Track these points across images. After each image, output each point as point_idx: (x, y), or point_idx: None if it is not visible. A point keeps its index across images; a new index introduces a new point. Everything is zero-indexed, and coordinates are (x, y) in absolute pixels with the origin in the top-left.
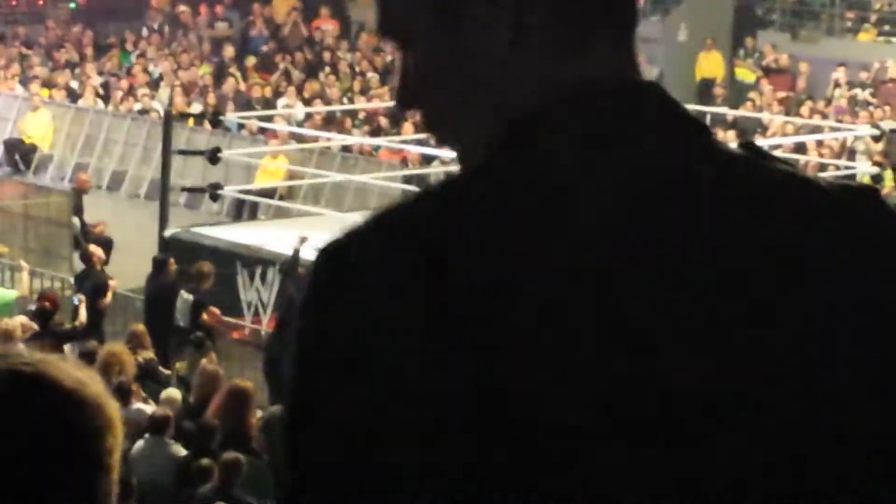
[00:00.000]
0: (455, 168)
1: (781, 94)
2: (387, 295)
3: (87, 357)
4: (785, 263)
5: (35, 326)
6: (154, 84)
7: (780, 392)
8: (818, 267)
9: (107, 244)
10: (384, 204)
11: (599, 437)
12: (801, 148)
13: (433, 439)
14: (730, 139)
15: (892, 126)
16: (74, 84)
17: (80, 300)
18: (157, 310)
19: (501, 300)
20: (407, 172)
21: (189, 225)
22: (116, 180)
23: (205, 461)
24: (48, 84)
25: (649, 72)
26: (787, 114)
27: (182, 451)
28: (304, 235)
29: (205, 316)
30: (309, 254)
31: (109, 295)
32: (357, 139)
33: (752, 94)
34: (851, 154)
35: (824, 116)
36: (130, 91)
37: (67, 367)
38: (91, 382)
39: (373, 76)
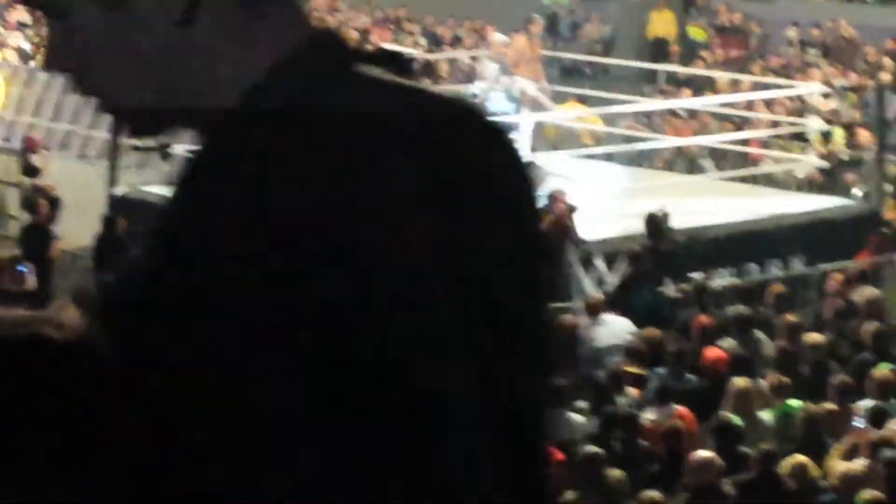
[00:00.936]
0: None
1: (734, 53)
2: None
3: None
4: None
5: None
6: None
7: None
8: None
9: (55, 203)
10: None
11: None
12: (752, 105)
13: None
14: (685, 96)
15: (843, 84)
16: (26, 46)
17: (27, 268)
18: (106, 268)
19: None
20: None
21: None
22: (67, 140)
23: None
24: None
25: (602, 30)
26: (740, 72)
27: None
28: None
29: None
30: None
31: (57, 249)
32: None
33: (703, 53)
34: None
35: (776, 75)
36: None
37: None
38: None
39: None
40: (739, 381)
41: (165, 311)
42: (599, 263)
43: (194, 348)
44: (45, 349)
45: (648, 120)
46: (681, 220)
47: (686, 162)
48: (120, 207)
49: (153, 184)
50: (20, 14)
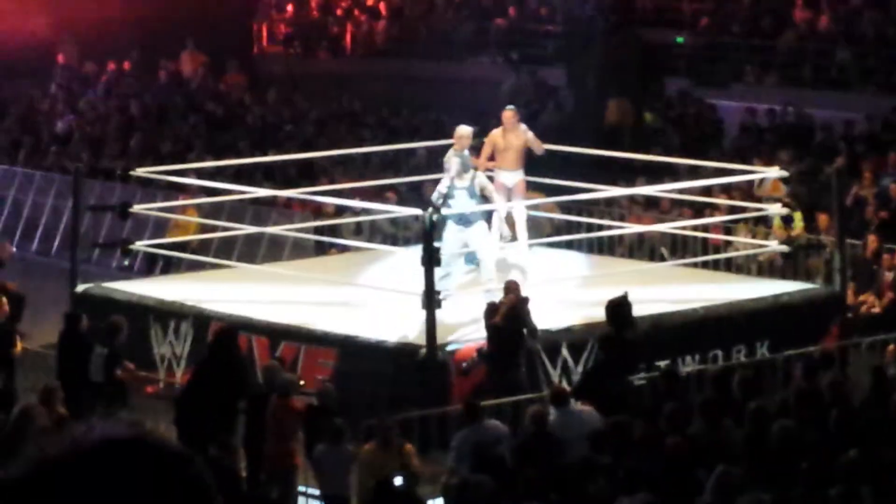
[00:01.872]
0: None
1: (689, 139)
2: None
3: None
4: None
5: None
6: (63, 140)
7: None
8: None
9: (18, 301)
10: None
11: None
12: (708, 191)
13: None
14: (640, 184)
15: (801, 169)
16: None
17: None
18: (70, 365)
19: None
20: (320, 223)
21: (100, 280)
22: (27, 237)
23: None
24: None
25: (560, 118)
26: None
27: None
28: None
29: (118, 371)
30: None
31: (19, 347)
32: (268, 191)
33: (660, 140)
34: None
35: (734, 160)
36: (39, 148)
37: None
38: None
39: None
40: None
41: None
42: (565, 352)
43: None
44: None
45: (608, 207)
46: (645, 307)
47: (647, 249)
48: (82, 304)
49: (115, 279)
50: None
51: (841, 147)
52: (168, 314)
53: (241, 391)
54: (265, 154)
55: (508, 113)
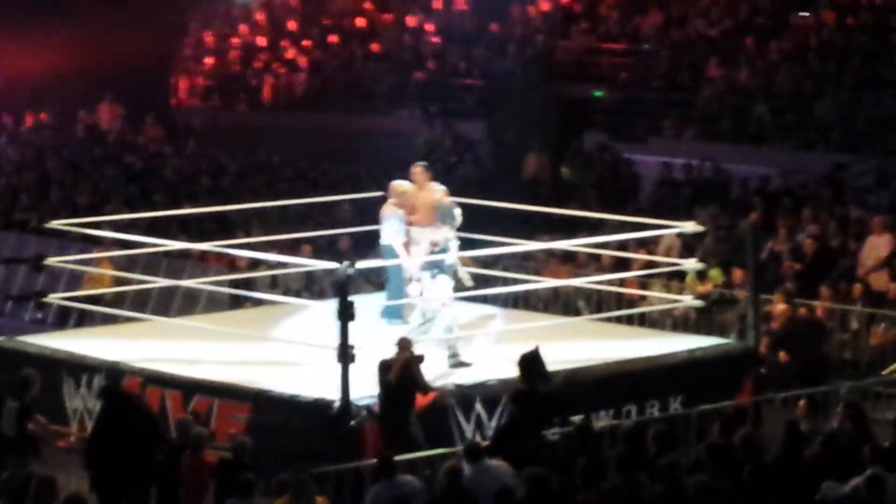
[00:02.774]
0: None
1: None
2: None
3: None
4: None
5: None
6: None
7: None
8: None
9: None
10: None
11: None
12: (624, 246)
13: None
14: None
15: (717, 223)
16: None
17: None
18: None
19: None
20: (235, 277)
21: (13, 333)
22: None
23: None
24: None
25: (477, 171)
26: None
27: None
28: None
29: (30, 424)
30: None
31: None
32: (184, 244)
33: (577, 194)
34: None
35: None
36: None
37: None
38: None
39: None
40: None
41: None
42: (479, 407)
43: None
44: None
45: (525, 261)
46: (559, 362)
47: (562, 303)
48: None
49: (28, 333)
50: None
51: (756, 202)
52: (81, 368)
53: (154, 443)
54: (182, 207)
55: (418, 169)
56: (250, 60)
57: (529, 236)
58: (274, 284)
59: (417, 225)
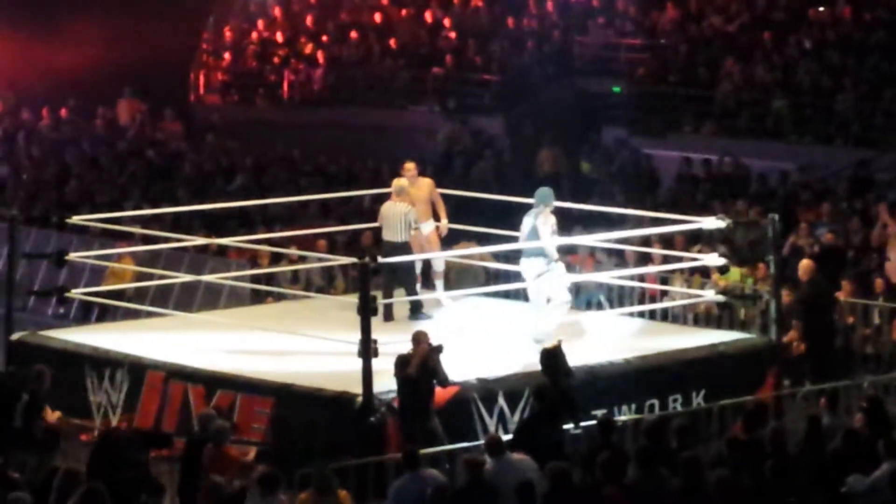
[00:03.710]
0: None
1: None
2: None
3: None
4: None
5: None
6: None
7: None
8: None
9: None
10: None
11: None
12: (646, 241)
13: None
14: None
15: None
16: None
17: None
18: None
19: None
20: (256, 272)
21: (36, 328)
22: None
23: None
24: None
25: (495, 167)
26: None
27: None
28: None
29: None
30: None
31: None
32: (205, 239)
33: (597, 189)
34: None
35: (669, 210)
36: None
37: None
38: None
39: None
40: None
41: None
42: (501, 401)
43: None
44: None
45: None
46: (581, 357)
47: (584, 298)
48: (17, 352)
49: (50, 328)
50: None
51: (777, 197)
52: (104, 362)
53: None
54: (202, 202)
55: (410, 165)
56: (268, 56)
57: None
58: (296, 279)
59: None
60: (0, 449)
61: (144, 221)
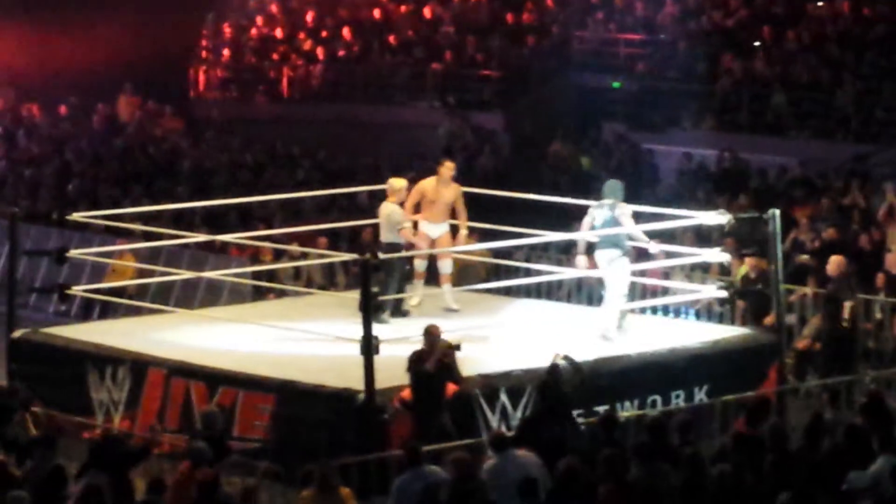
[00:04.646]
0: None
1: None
2: None
3: None
4: None
5: None
6: None
7: None
8: None
9: None
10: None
11: None
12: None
13: None
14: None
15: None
16: None
17: None
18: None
19: None
20: (257, 268)
21: (37, 325)
22: None
23: None
24: None
25: (497, 162)
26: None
27: None
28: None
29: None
30: None
31: None
32: (206, 236)
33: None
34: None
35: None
36: None
37: None
38: None
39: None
40: None
41: None
42: (503, 397)
43: None
44: None
45: (545, 252)
46: (584, 352)
47: (586, 294)
48: (19, 350)
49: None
50: None
51: (778, 191)
52: (105, 360)
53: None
54: (202, 198)
55: (450, 165)
56: (268, 52)
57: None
58: (297, 276)
59: (430, 221)
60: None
61: (145, 218)
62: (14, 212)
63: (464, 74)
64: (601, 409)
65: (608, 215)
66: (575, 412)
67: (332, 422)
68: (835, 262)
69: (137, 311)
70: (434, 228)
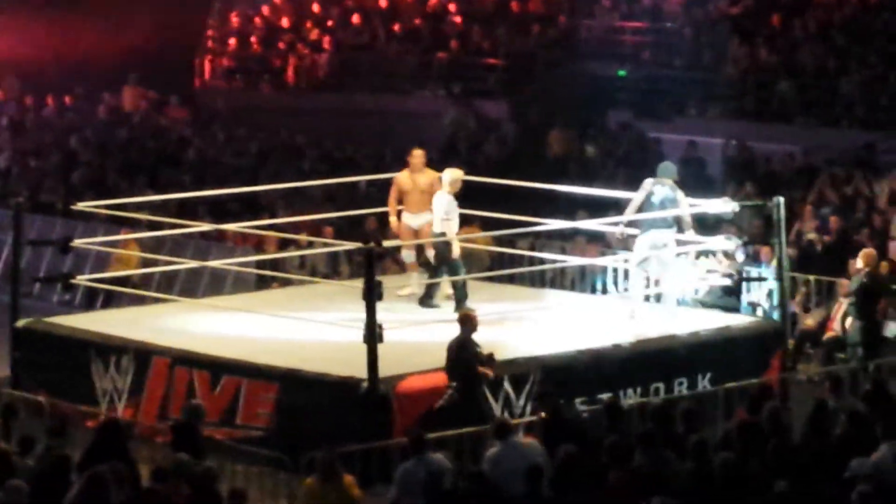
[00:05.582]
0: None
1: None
2: None
3: None
4: None
5: None
6: (3, 175)
7: None
8: None
9: None
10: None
11: None
12: None
13: None
14: (582, 217)
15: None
16: None
17: None
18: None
19: None
20: (261, 257)
21: (41, 314)
22: None
23: None
24: None
25: (501, 151)
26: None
27: None
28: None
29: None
30: None
31: None
32: (210, 225)
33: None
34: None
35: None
36: None
37: None
38: None
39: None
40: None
41: None
42: (507, 385)
43: None
44: None
45: (550, 240)
46: (587, 340)
47: (590, 282)
48: (23, 339)
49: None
50: None
51: (783, 179)
52: (109, 349)
53: None
54: (207, 188)
55: (419, 153)
56: (273, 41)
57: (553, 215)
58: (302, 265)
59: (409, 211)
60: None
61: (150, 208)
62: (18, 201)
63: (469, 63)
64: (605, 396)
65: (669, 195)
66: (578, 399)
67: (335, 410)
68: (866, 255)
69: (141, 301)
70: (414, 219)
